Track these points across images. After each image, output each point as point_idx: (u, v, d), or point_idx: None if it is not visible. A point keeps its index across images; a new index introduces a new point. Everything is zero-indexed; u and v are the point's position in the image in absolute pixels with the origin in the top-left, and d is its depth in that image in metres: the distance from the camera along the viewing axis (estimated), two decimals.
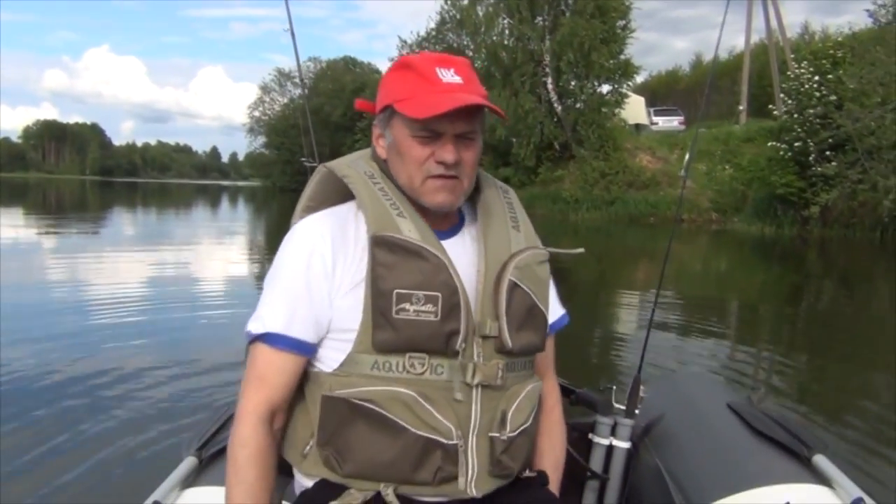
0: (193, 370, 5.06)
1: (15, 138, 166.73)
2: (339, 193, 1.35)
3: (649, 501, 2.00)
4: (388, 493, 1.22)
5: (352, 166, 1.34)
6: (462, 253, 1.31)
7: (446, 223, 1.35)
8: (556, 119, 29.10)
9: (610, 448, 2.03)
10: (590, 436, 2.05)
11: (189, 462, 1.82)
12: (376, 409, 1.20)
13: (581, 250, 1.53)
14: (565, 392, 1.97)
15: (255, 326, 1.27)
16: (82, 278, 10.49)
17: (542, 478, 1.44)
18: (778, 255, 17.31)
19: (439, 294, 1.20)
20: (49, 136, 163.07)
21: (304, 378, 1.31)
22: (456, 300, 1.21)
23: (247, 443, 1.24)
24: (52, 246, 15.68)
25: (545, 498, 1.40)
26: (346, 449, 1.23)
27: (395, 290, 1.19)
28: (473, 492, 1.25)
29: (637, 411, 2.08)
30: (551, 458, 1.51)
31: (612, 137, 28.63)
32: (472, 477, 1.24)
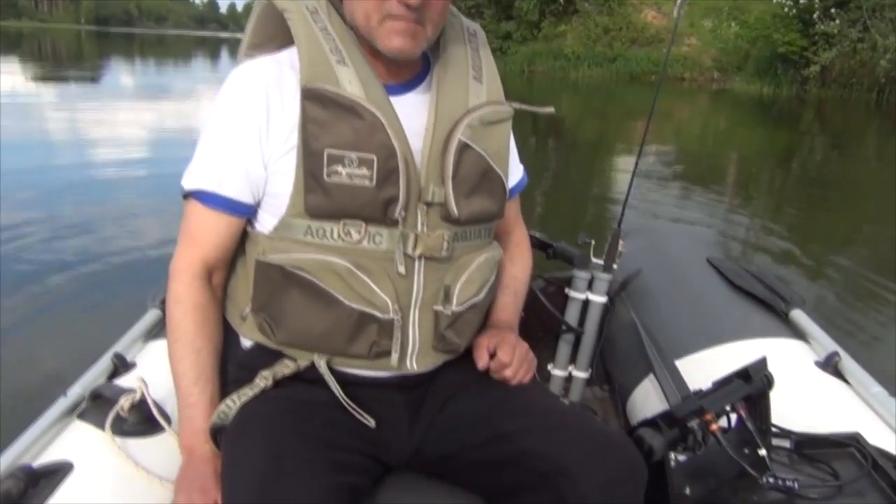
0: (172, 223, 4.99)
1: None
2: (283, 35, 1.20)
3: (623, 355, 2.00)
4: (321, 364, 1.17)
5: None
6: (418, 110, 1.18)
7: (406, 74, 1.22)
8: None
9: (586, 303, 2.05)
10: (566, 290, 2.06)
11: (152, 315, 1.81)
12: (309, 277, 1.12)
13: (550, 109, 1.37)
14: (542, 246, 2.02)
15: (188, 181, 1.19)
16: (71, 131, 10.51)
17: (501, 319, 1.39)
18: (775, 115, 17.24)
19: (374, 156, 1.09)
20: None
21: (245, 237, 1.24)
22: (393, 164, 1.10)
23: (181, 299, 1.21)
24: (48, 98, 15.75)
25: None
26: (279, 316, 1.17)
27: (327, 150, 1.09)
28: (414, 367, 1.20)
29: (615, 266, 2.04)
30: (511, 285, 1.45)
31: None
32: (413, 352, 1.20)
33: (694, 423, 1.26)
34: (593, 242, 2.06)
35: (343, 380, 1.19)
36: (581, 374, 2.11)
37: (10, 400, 2.56)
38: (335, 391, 1.17)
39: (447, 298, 1.19)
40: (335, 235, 1.12)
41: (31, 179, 6.70)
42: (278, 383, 1.20)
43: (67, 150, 8.60)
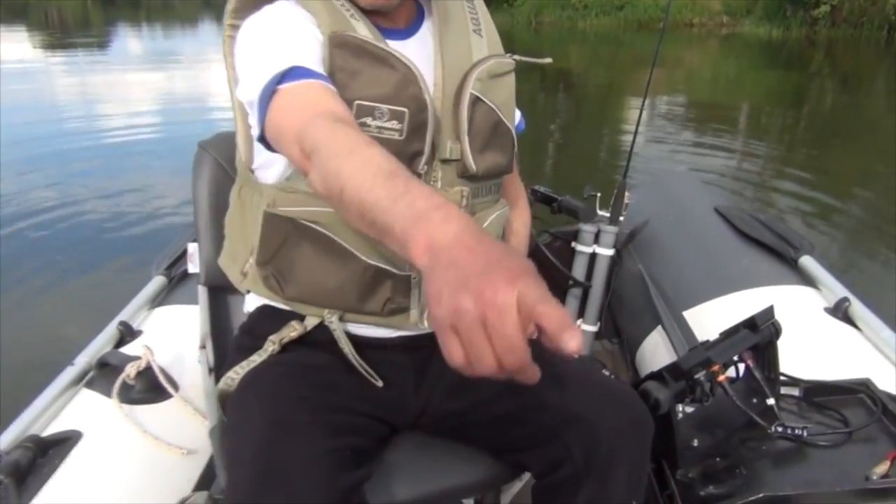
0: (179, 190, 4.74)
1: None
2: None
3: (632, 308, 2.00)
4: (333, 319, 1.13)
5: None
6: (421, 60, 1.11)
7: (397, 21, 1.15)
8: None
9: (593, 256, 2.03)
10: (573, 244, 2.04)
11: (157, 281, 1.81)
12: (324, 231, 1.08)
13: (548, 60, 1.33)
14: (547, 200, 2.00)
15: (265, 75, 0.97)
16: (78, 97, 10.50)
17: None
18: (784, 58, 17.04)
19: (406, 110, 1.03)
20: None
21: (243, 188, 1.20)
22: (423, 118, 1.05)
23: (305, 130, 0.90)
24: (55, 65, 15.87)
25: None
26: (288, 270, 1.12)
27: (357, 102, 1.01)
28: (426, 325, 1.17)
29: (622, 218, 2.01)
30: (513, 240, 1.40)
31: None
32: (426, 310, 1.15)
33: (701, 375, 1.25)
34: (599, 195, 2.02)
35: (351, 339, 1.15)
36: (590, 328, 2.10)
37: (18, 370, 2.59)
38: (345, 349, 1.13)
39: None
40: None
41: (38, 146, 6.75)
42: (284, 347, 1.15)
43: (74, 116, 8.55)
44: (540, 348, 1.18)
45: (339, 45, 1.03)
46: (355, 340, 1.16)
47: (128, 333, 1.60)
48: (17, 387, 1.64)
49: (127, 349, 1.51)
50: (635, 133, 2.15)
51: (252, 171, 1.17)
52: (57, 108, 9.63)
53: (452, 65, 1.13)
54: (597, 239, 2.01)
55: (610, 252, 2.01)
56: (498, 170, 1.19)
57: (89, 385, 1.39)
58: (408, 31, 1.16)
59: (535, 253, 2.04)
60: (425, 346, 1.22)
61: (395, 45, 1.08)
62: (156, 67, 14.72)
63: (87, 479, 1.18)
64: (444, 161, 1.11)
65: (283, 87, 0.97)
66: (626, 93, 11.33)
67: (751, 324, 1.32)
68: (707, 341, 1.33)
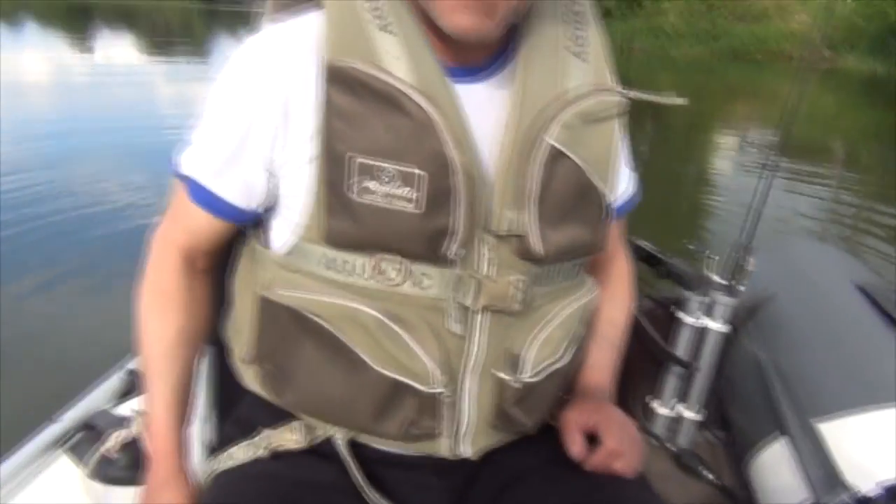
0: None
1: None
2: None
3: (747, 402, 1.70)
4: (339, 442, 0.93)
5: None
6: (495, 104, 0.87)
7: (479, 56, 0.88)
8: None
9: (701, 330, 1.75)
10: (679, 314, 1.76)
11: None
12: (328, 327, 0.85)
13: (683, 100, 0.97)
14: (652, 261, 1.77)
15: (183, 160, 0.93)
16: (180, 102, 11.13)
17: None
18: (893, 96, 16.36)
19: (422, 171, 0.79)
20: None
21: (250, 255, 0.98)
22: (448, 184, 0.80)
23: (149, 272, 0.99)
24: (158, 70, 16.65)
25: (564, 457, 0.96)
26: (287, 371, 0.91)
27: (357, 158, 0.79)
28: (465, 452, 0.93)
29: (742, 288, 1.74)
30: (609, 334, 1.11)
31: None
32: (465, 432, 0.91)
33: None
34: (716, 258, 1.76)
35: (366, 457, 0.94)
36: (692, 416, 1.81)
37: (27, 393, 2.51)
38: (357, 481, 0.91)
39: (515, 366, 0.89)
40: (365, 273, 0.83)
41: (137, 145, 7.29)
42: (258, 463, 0.93)
43: (171, 118, 9.00)
44: (627, 490, 0.88)
45: (335, 80, 0.79)
46: (371, 457, 0.95)
47: (136, 385, 1.42)
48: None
49: (126, 407, 1.35)
50: (757, 189, 1.78)
51: (257, 237, 0.96)
52: (156, 109, 10.15)
53: (533, 103, 0.85)
54: (709, 311, 1.73)
55: (724, 328, 1.73)
56: (577, 249, 0.91)
57: (70, 451, 1.23)
58: (485, 69, 0.89)
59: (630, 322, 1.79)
60: (464, 469, 0.95)
61: (460, 89, 0.83)
62: None
63: None
64: (500, 237, 0.85)
65: (179, 183, 0.94)
66: (727, 129, 10.93)
67: None
68: (857, 494, 1.03)
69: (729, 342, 1.75)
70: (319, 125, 0.81)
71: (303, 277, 0.87)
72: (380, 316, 0.83)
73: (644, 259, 1.79)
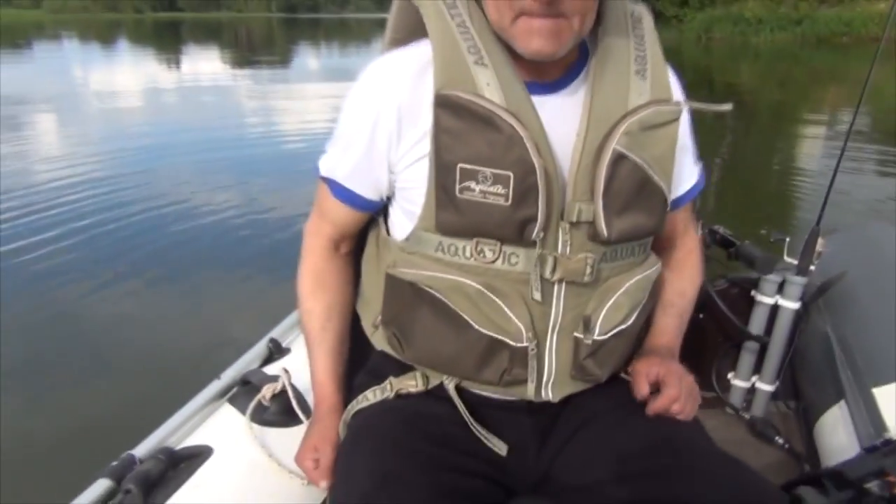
0: None
1: None
2: (423, 27, 1.07)
3: (815, 372, 1.78)
4: (450, 387, 1.13)
5: None
6: (568, 113, 1.05)
7: (555, 71, 1.06)
8: None
9: (775, 307, 1.84)
10: (752, 293, 1.86)
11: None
12: (440, 297, 1.05)
13: (728, 107, 1.10)
14: (725, 243, 1.88)
15: (322, 165, 1.18)
16: (261, 110, 11.52)
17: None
18: None
19: (510, 174, 0.98)
20: None
21: (379, 239, 1.21)
22: (531, 182, 0.98)
23: (304, 259, 1.26)
24: (242, 80, 17.33)
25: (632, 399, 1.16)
26: (409, 333, 1.12)
27: (459, 165, 0.99)
28: (549, 395, 1.12)
29: (812, 268, 1.81)
30: (677, 303, 1.29)
31: None
32: (549, 381, 1.11)
33: (873, 485, 1.06)
34: (788, 240, 1.85)
35: (471, 400, 1.14)
36: (766, 387, 1.93)
37: (171, 376, 2.87)
38: (464, 416, 1.12)
39: (588, 327, 1.07)
40: (468, 253, 1.04)
41: (221, 152, 7.54)
42: (387, 405, 1.16)
43: (255, 126, 9.48)
44: (682, 432, 1.11)
45: (443, 105, 0.99)
46: (476, 400, 1.15)
47: (276, 351, 1.67)
48: (171, 392, 1.86)
49: (273, 367, 1.57)
50: (834, 173, 1.88)
51: (386, 225, 1.19)
52: (240, 119, 10.64)
53: (600, 115, 1.03)
54: (781, 290, 1.82)
55: (795, 305, 1.82)
56: (638, 233, 1.08)
57: (231, 401, 1.46)
58: (560, 83, 1.07)
59: (709, 300, 1.89)
60: (548, 410, 1.16)
61: (536, 100, 1.02)
62: (330, 83, 15.59)
63: (210, 497, 1.24)
64: (573, 223, 1.03)
65: (322, 184, 1.19)
66: (810, 115, 10.68)
67: None
68: (891, 441, 1.14)
69: (801, 318, 1.84)
70: (431, 138, 1.01)
71: (419, 258, 1.08)
72: (480, 287, 1.03)
73: (720, 243, 1.90)
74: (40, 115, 11.24)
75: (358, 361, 1.31)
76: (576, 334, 1.08)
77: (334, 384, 1.25)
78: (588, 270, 1.05)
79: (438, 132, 1.00)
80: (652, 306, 1.22)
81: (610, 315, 1.08)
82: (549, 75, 1.06)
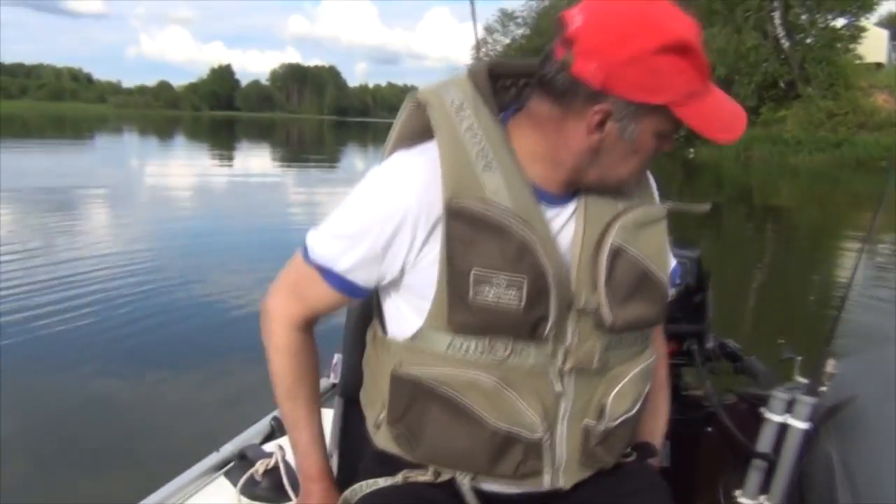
0: None
1: (264, 81, 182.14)
2: (430, 131, 1.09)
3: (815, 496, 1.75)
4: (464, 482, 1.12)
5: (439, 93, 1.09)
6: (568, 219, 1.10)
7: (569, 187, 1.11)
8: (782, 56, 27.35)
9: (784, 426, 1.78)
10: (760, 409, 1.81)
11: (321, 382, 1.84)
12: (451, 394, 1.06)
13: (706, 207, 1.22)
14: (732, 357, 1.87)
15: (316, 250, 1.11)
16: (306, 208, 11.93)
17: (645, 451, 1.29)
18: None
19: (524, 278, 1.02)
20: (292, 78, 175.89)
21: (376, 342, 1.20)
22: (543, 285, 1.02)
23: (280, 348, 1.18)
24: (291, 178, 18.02)
25: (648, 484, 1.22)
26: (418, 431, 1.11)
27: (473, 271, 1.02)
28: (561, 483, 1.13)
29: (823, 389, 1.77)
30: (650, 426, 1.33)
31: (844, 75, 26.44)
32: (560, 468, 1.12)
33: None
34: (799, 359, 1.82)
35: (482, 494, 1.14)
36: None
37: (173, 447, 2.99)
38: None
39: (601, 414, 1.11)
40: (479, 350, 1.05)
41: (265, 247, 7.83)
42: (396, 491, 1.15)
43: (298, 224, 9.71)
44: None
45: (455, 216, 1.01)
46: (489, 497, 1.15)
47: (277, 429, 1.71)
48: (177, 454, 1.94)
49: (271, 445, 1.59)
50: (847, 289, 1.91)
51: (382, 324, 1.17)
52: (286, 215, 10.97)
53: (595, 215, 1.09)
54: (790, 408, 1.76)
55: (805, 426, 1.75)
56: (641, 322, 1.12)
57: (227, 474, 1.50)
58: (562, 197, 1.10)
59: (714, 416, 1.86)
60: (565, 500, 1.17)
61: (548, 213, 1.07)
62: None
63: None
64: (581, 311, 1.06)
65: (309, 268, 1.11)
66: (843, 236, 10.44)
67: None
68: None
69: (810, 438, 1.77)
70: (442, 245, 1.03)
71: (428, 356, 1.07)
72: (495, 381, 1.04)
73: (728, 357, 1.88)
74: (92, 200, 11.80)
75: (354, 450, 1.33)
76: (585, 422, 1.11)
77: (323, 465, 1.23)
78: (596, 357, 1.08)
79: (451, 240, 1.02)
80: (649, 394, 1.25)
81: (617, 402, 1.12)
82: (556, 191, 1.10)
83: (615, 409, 1.11)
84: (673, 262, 1.25)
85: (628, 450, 1.22)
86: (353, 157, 29.62)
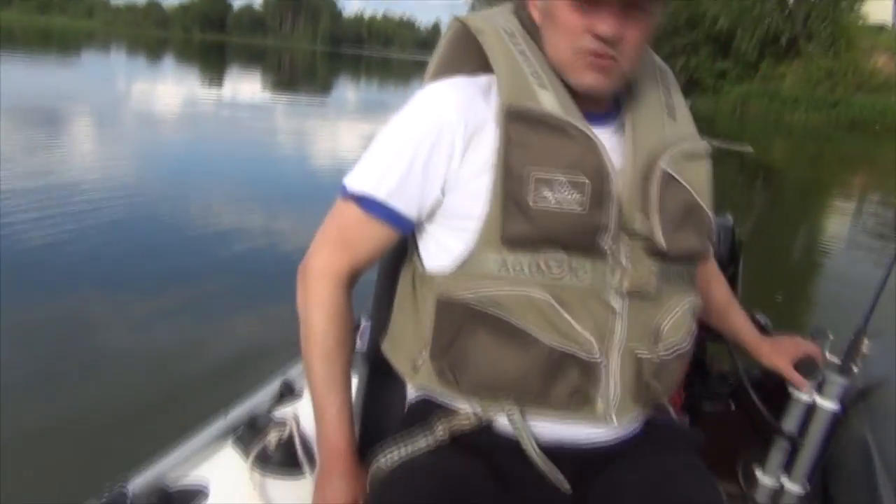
0: None
1: (257, 5, 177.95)
2: (475, 59, 1.12)
3: (850, 481, 1.70)
4: (516, 413, 1.05)
5: (488, 20, 1.12)
6: (614, 143, 1.08)
7: (598, 108, 1.10)
8: (786, 11, 27.06)
9: (812, 406, 1.73)
10: (791, 388, 1.75)
11: None
12: (501, 314, 1.01)
13: (748, 148, 1.43)
14: (762, 332, 1.83)
15: (355, 183, 1.09)
16: (297, 138, 11.77)
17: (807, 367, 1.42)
18: None
19: (587, 180, 0.99)
20: (286, 4, 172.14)
21: (415, 278, 1.14)
22: (607, 189, 1.00)
23: (324, 304, 1.11)
24: (280, 104, 17.59)
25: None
26: (464, 361, 1.05)
27: (534, 174, 0.99)
28: (614, 418, 1.07)
29: (855, 369, 1.72)
30: (732, 307, 1.49)
31: (847, 35, 26.25)
32: (614, 400, 1.06)
33: None
34: (831, 337, 1.76)
35: (513, 450, 1.06)
36: (795, 489, 1.80)
37: (178, 398, 2.89)
38: (527, 445, 1.05)
39: (655, 341, 1.07)
40: (534, 269, 1.01)
41: (250, 173, 7.75)
42: (435, 452, 1.08)
43: (286, 152, 9.70)
44: None
45: (514, 119, 1.01)
46: (517, 452, 1.06)
47: (287, 393, 1.65)
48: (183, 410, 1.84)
49: (281, 411, 1.56)
50: (888, 272, 1.79)
51: (421, 261, 1.13)
52: (273, 142, 10.85)
53: (644, 144, 1.08)
54: (820, 388, 1.71)
55: (834, 407, 1.70)
56: (691, 252, 1.10)
57: (235, 442, 1.45)
58: (606, 116, 1.12)
59: (739, 392, 1.82)
60: (593, 465, 1.11)
61: (594, 126, 1.05)
62: (366, 118, 15.81)
63: None
64: (633, 236, 1.03)
65: (351, 206, 1.09)
66: (838, 197, 10.46)
67: None
68: None
69: (839, 422, 1.71)
70: (497, 151, 1.01)
71: (477, 280, 1.03)
72: (549, 298, 1.00)
73: (759, 331, 1.84)
74: (79, 117, 11.53)
75: (378, 419, 1.28)
76: (639, 352, 1.06)
77: (349, 440, 1.14)
78: (654, 281, 1.05)
79: (509, 144, 1.00)
80: (731, 319, 1.35)
81: (672, 331, 1.09)
82: (594, 109, 1.10)
83: (669, 339, 1.08)
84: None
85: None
86: (345, 90, 29.15)
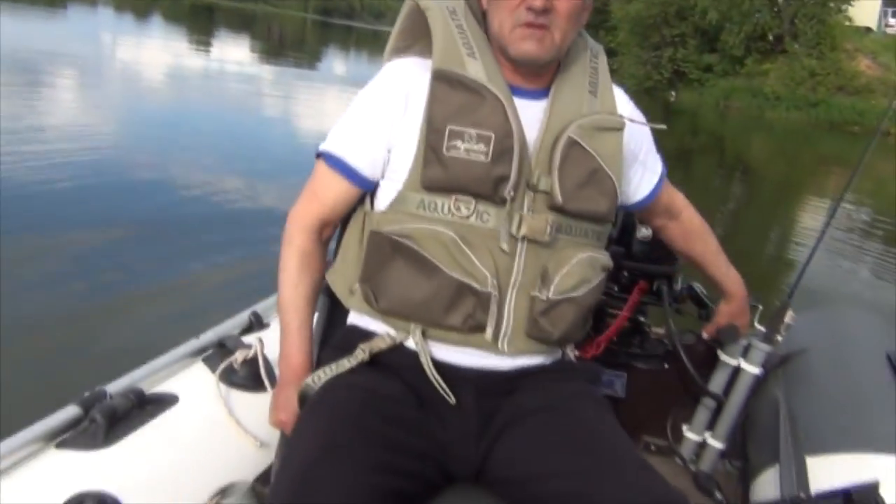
0: None
1: None
2: (426, 34, 1.28)
3: (761, 435, 1.83)
4: (417, 333, 1.21)
5: (438, 1, 1.29)
6: (537, 115, 1.25)
7: (534, 85, 1.29)
8: (775, 9, 27.24)
9: (737, 370, 1.89)
10: (718, 351, 1.91)
11: None
12: (414, 246, 1.18)
13: (663, 126, 1.41)
14: (698, 303, 1.96)
15: (324, 143, 1.32)
16: (283, 106, 11.82)
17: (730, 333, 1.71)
18: None
19: (492, 134, 1.16)
20: None
21: (365, 220, 1.31)
22: (509, 144, 1.17)
23: (293, 241, 1.33)
24: (267, 73, 17.67)
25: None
26: (383, 285, 1.22)
27: (448, 126, 1.17)
28: (505, 347, 1.22)
29: (779, 338, 1.87)
30: (710, 258, 1.64)
31: (832, 35, 26.46)
32: (506, 333, 1.22)
33: None
34: (760, 308, 1.91)
35: (435, 366, 1.22)
36: (716, 444, 1.95)
37: (152, 329, 3.07)
38: (423, 359, 1.20)
39: (545, 283, 1.22)
40: (446, 209, 1.18)
41: (233, 137, 7.95)
42: (354, 370, 1.22)
43: (270, 119, 9.86)
44: (603, 433, 1.21)
45: (440, 79, 1.20)
46: (438, 367, 1.22)
47: (256, 323, 1.79)
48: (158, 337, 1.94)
49: (249, 337, 1.66)
50: (814, 249, 1.98)
51: (372, 205, 1.30)
52: (258, 108, 10.95)
53: (559, 114, 1.25)
54: (745, 353, 1.87)
55: (756, 371, 1.86)
56: (590, 212, 1.25)
57: (205, 360, 1.57)
58: (542, 92, 1.29)
59: (670, 354, 1.97)
60: (495, 389, 1.24)
61: (518, 103, 1.22)
62: (353, 88, 15.84)
63: (167, 441, 1.33)
64: (535, 190, 1.20)
65: (320, 163, 1.32)
66: (808, 194, 10.77)
67: (847, 497, 1.22)
68: (801, 497, 1.24)
69: (759, 383, 1.89)
70: (424, 108, 1.20)
71: (402, 215, 1.21)
72: (454, 235, 1.17)
73: (695, 301, 1.97)
74: (62, 74, 11.47)
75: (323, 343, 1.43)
76: (532, 293, 1.22)
77: (305, 357, 1.33)
78: (548, 230, 1.20)
79: (433, 101, 1.20)
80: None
81: (563, 280, 1.22)
82: (533, 84, 1.29)
83: (561, 284, 1.22)
84: (660, 166, 1.49)
85: (573, 352, 1.38)
86: (333, 60, 28.97)
